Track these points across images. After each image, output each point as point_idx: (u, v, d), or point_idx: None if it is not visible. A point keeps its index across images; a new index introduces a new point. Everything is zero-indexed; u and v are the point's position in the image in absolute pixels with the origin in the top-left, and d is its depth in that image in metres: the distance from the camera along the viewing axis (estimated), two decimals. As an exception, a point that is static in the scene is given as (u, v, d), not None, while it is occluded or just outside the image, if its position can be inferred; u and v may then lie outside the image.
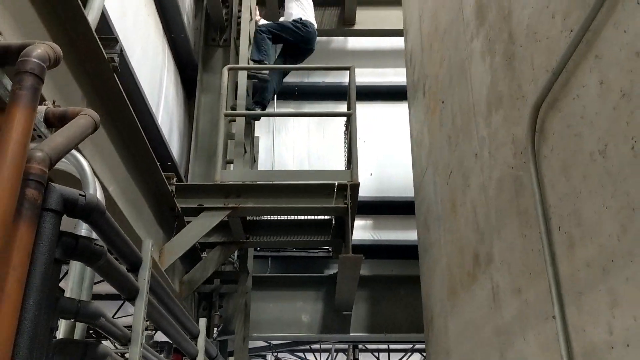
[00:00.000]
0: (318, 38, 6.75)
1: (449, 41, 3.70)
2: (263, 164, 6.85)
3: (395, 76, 7.17)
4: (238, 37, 6.57)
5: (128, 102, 3.24)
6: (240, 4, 6.84)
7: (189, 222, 4.47)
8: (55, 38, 2.42)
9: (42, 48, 1.75)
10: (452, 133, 3.63)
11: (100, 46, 2.83)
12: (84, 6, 2.93)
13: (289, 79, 7.20)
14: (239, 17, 6.79)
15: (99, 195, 2.15)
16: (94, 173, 2.29)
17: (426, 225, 4.42)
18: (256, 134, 6.48)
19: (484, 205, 2.93)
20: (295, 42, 6.10)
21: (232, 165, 5.38)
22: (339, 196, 4.51)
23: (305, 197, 4.46)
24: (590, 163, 1.79)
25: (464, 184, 3.34)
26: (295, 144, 6.99)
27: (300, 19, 6.12)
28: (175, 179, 4.37)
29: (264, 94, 5.78)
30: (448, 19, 3.72)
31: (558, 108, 2.04)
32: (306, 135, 7.01)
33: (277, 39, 6.03)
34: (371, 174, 6.84)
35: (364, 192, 6.46)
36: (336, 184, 4.49)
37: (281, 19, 6.52)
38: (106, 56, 2.89)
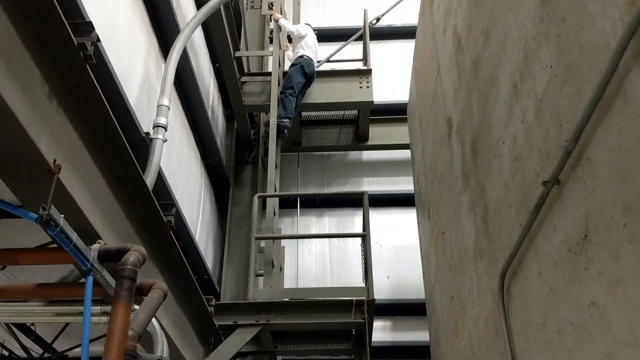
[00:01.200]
0: (336, 152, 7.62)
1: (444, 185, 4.38)
2: (289, 268, 7.47)
3: (408, 184, 7.83)
4: (265, 155, 7.43)
5: (179, 247, 3.95)
6: (265, 128, 7.76)
7: (225, 334, 5.07)
8: (140, 234, 3.16)
9: (134, 255, 2.46)
10: (451, 263, 4.24)
11: (160, 211, 3.57)
12: (144, 172, 3.70)
13: (311, 189, 7.97)
14: (265, 139, 7.70)
15: (165, 351, 2.80)
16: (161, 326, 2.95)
17: (437, 339, 4.95)
18: (284, 243, 7.16)
19: (476, 336, 3.50)
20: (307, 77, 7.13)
21: (261, 279, 6.02)
22: (357, 311, 5.09)
23: (327, 313, 5.05)
24: (537, 331, 2.38)
25: (462, 311, 3.91)
26: (317, 249, 7.63)
27: (304, 56, 7.15)
28: (213, 300, 5.01)
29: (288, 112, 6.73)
30: (443, 167, 4.42)
31: (517, 279, 2.66)
32: (327, 240, 7.66)
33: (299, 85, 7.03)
34: (388, 277, 7.41)
35: (381, 295, 7.05)
36: (354, 301, 5.08)
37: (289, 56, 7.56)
38: (165, 219, 3.63)
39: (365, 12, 7.72)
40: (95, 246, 2.52)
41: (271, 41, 8.24)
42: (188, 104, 6.20)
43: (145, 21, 4.92)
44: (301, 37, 7.36)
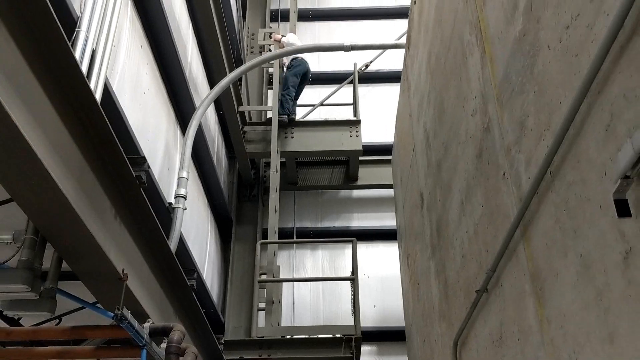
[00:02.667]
0: (328, 192, 8.53)
1: (419, 244, 5.23)
2: (286, 298, 8.29)
3: (393, 220, 8.70)
4: (264, 194, 8.29)
5: (199, 306, 4.77)
6: (265, 169, 8.63)
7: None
8: (172, 302, 3.99)
9: (177, 334, 3.28)
10: (424, 312, 5.09)
11: (185, 279, 4.40)
12: (167, 236, 4.52)
13: (306, 224, 8.82)
14: (264, 178, 8.56)
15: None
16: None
17: (414, 370, 5.80)
18: (281, 274, 7.99)
19: (440, 379, 4.35)
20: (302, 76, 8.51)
21: (263, 312, 6.85)
22: (347, 346, 5.95)
23: (320, 348, 5.91)
24: (475, 391, 3.24)
25: (431, 355, 4.76)
26: (312, 282, 8.47)
27: (297, 58, 8.42)
28: (222, 339, 5.85)
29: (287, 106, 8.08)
30: (417, 229, 5.27)
31: (465, 349, 3.51)
32: (320, 272, 8.51)
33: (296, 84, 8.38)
34: (374, 306, 8.26)
35: (368, 323, 7.91)
36: (344, 337, 5.93)
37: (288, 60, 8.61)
38: (188, 282, 4.45)
39: (355, 65, 8.54)
40: (147, 325, 3.34)
41: (270, 82, 9.12)
42: (197, 156, 7.01)
43: (166, 99, 5.73)
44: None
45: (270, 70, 9.24)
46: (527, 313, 2.41)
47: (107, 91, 3.68)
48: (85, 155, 2.90)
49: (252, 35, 9.96)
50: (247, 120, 8.43)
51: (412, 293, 5.79)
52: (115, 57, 4.09)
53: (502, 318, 2.75)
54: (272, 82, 8.58)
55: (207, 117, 7.48)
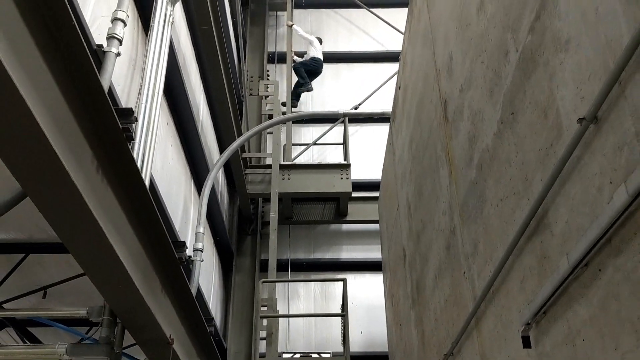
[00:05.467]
0: (320, 226, 9.46)
1: (402, 291, 6.13)
2: (281, 324, 9.17)
3: (379, 252, 9.63)
4: (262, 228, 9.18)
5: (215, 345, 5.63)
6: (263, 205, 9.51)
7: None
8: (194, 345, 4.85)
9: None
10: (405, 351, 5.99)
11: (206, 326, 5.25)
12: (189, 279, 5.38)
13: (300, 255, 9.71)
14: (262, 213, 9.44)
15: None
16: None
17: (395, 396, 6.71)
18: (278, 302, 8.86)
19: (418, 411, 5.25)
20: (313, 70, 10.43)
21: (264, 341, 7.71)
22: (338, 374, 6.84)
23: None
24: None
25: (410, 388, 5.66)
26: (304, 308, 9.36)
27: (314, 57, 10.36)
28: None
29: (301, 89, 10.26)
30: (400, 278, 6.18)
31: (436, 391, 4.42)
32: (312, 301, 9.39)
33: (307, 71, 10.34)
34: (361, 332, 9.17)
35: (356, 348, 8.83)
36: (335, 368, 6.82)
37: (305, 57, 10.59)
38: (207, 329, 5.31)
39: (345, 122, 9.43)
40: (184, 375, 4.21)
41: (270, 117, 10.01)
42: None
43: (184, 161, 6.58)
44: (311, 42, 10.41)
45: (270, 110, 10.09)
46: (478, 380, 3.32)
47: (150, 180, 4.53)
48: (142, 242, 3.75)
49: (251, 77, 10.84)
50: (248, 162, 9.30)
51: (395, 330, 6.70)
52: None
53: (462, 379, 3.65)
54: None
55: (213, 161, 8.33)
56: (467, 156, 3.46)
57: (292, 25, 10.69)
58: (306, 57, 10.54)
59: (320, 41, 10.78)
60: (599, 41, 1.88)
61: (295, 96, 10.45)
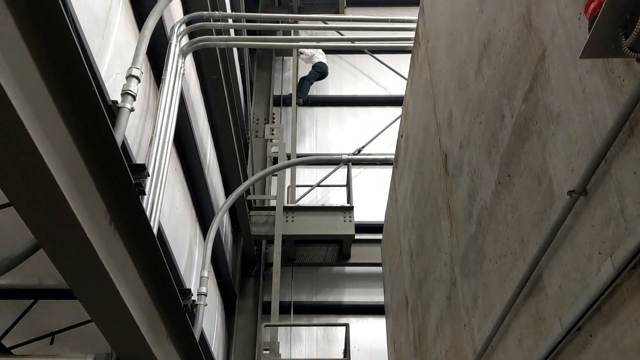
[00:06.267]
0: (323, 268, 9.51)
1: (404, 336, 6.16)
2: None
3: (382, 296, 9.64)
4: (265, 270, 9.23)
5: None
6: (266, 246, 9.59)
7: None
8: None
9: None
10: (407, 397, 5.97)
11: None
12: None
13: (301, 298, 9.72)
14: (266, 255, 9.52)
15: None
16: None
17: None
18: (280, 345, 8.85)
19: None
20: (322, 72, 11.37)
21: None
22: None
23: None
24: None
25: None
26: (307, 352, 9.33)
27: (321, 61, 11.26)
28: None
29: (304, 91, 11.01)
30: (402, 325, 6.21)
31: None
32: (315, 344, 9.37)
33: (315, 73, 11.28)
34: (364, 376, 9.11)
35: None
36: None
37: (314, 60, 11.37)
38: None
39: (349, 166, 9.58)
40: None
41: (274, 161, 10.17)
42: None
43: (190, 205, 6.70)
44: (316, 52, 11.28)
45: (275, 152, 10.25)
46: None
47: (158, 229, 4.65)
48: (149, 290, 3.84)
49: (257, 120, 11.07)
50: (253, 203, 9.42)
51: (398, 375, 6.69)
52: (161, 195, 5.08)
53: None
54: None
55: (219, 203, 8.46)
56: (467, 211, 3.57)
57: (301, 53, 11.55)
58: (315, 61, 11.36)
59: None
60: (586, 119, 2.01)
61: (301, 94, 11.14)
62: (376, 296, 9.65)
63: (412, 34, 6.75)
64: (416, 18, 5.42)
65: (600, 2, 1.70)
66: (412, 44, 5.68)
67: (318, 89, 11.94)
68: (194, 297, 6.10)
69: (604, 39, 1.67)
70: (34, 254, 3.34)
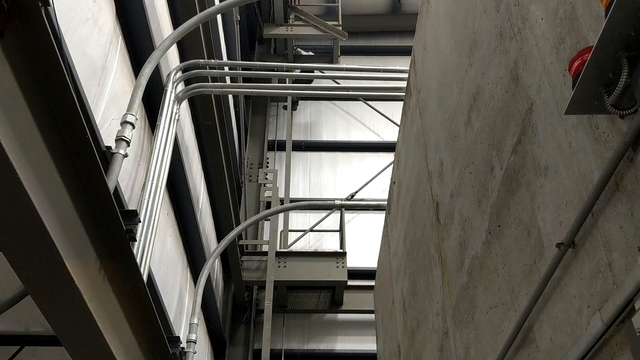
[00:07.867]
0: (315, 315, 9.34)
1: (396, 389, 6.03)
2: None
3: (374, 344, 9.48)
4: (256, 316, 9.09)
5: None
6: (258, 292, 9.47)
7: None
8: None
9: None
10: None
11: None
12: None
13: (294, 345, 9.55)
14: (257, 301, 9.39)
15: None
16: None
17: None
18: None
19: None
20: None
21: None
22: None
23: None
24: None
25: None
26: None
27: None
28: None
29: None
30: (394, 349, 6.09)
31: None
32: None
33: None
34: None
35: None
36: None
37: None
38: None
39: (342, 211, 9.60)
40: None
41: (267, 206, 10.14)
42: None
43: (182, 249, 6.66)
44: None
45: (269, 197, 10.26)
46: None
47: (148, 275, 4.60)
48: (138, 338, 3.76)
49: (251, 164, 11.11)
50: (245, 248, 9.36)
51: None
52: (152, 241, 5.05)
53: None
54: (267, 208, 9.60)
55: (210, 249, 8.40)
56: (458, 260, 3.57)
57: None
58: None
59: None
60: (573, 172, 2.04)
61: None
62: (369, 344, 9.49)
63: (404, 83, 6.89)
64: (408, 68, 5.54)
65: (583, 61, 1.76)
66: (404, 93, 5.79)
67: (312, 134, 12.06)
68: (183, 345, 5.99)
69: (587, 97, 1.72)
70: (22, 300, 3.29)
